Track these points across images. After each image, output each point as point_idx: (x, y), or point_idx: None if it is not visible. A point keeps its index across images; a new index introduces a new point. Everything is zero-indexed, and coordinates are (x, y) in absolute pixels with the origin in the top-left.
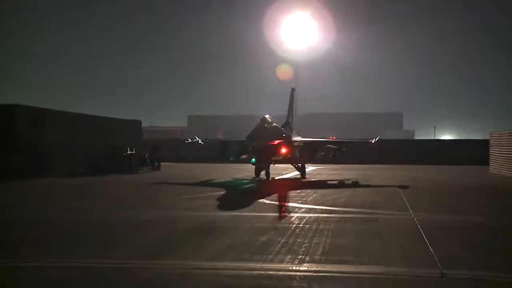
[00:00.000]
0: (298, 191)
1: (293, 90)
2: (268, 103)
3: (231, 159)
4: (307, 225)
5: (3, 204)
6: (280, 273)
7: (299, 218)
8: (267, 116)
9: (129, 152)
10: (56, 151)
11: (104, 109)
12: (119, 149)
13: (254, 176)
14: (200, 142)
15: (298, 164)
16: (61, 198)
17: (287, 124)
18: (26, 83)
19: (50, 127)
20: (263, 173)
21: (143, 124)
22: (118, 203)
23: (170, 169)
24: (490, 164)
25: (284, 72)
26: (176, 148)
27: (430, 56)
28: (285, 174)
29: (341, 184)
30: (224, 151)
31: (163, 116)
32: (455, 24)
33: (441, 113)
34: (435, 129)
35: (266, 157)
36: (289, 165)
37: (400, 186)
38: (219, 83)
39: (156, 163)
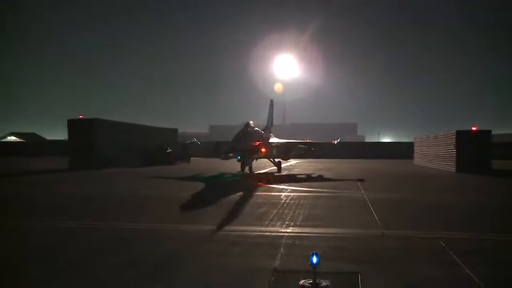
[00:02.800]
0: (281, 180)
1: (272, 101)
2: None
3: (221, 156)
4: (291, 201)
5: (88, 186)
6: (273, 233)
7: (285, 196)
8: (250, 122)
9: (168, 150)
10: (120, 149)
11: (146, 118)
12: (162, 148)
13: (240, 170)
14: (198, 142)
15: (275, 160)
16: (127, 180)
17: (267, 128)
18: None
19: (117, 133)
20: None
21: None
22: (160, 186)
23: (195, 163)
24: (414, 158)
25: (278, 89)
26: (199, 148)
27: (378, 84)
28: (264, 169)
29: (309, 177)
30: (217, 150)
31: (191, 125)
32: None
33: (383, 122)
34: (378, 135)
35: (249, 155)
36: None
37: (358, 180)
38: (232, 100)
39: (187, 158)
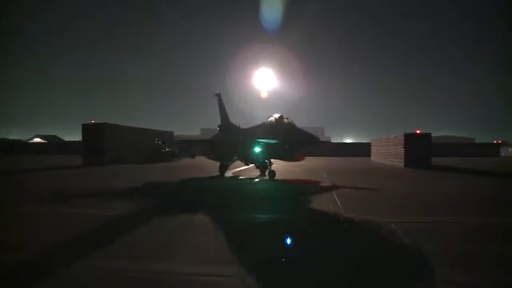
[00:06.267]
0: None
1: (219, 95)
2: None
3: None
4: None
5: (103, 178)
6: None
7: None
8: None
9: (166, 150)
10: (125, 149)
11: (145, 122)
12: (160, 148)
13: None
14: (159, 142)
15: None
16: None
17: (223, 127)
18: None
19: (123, 135)
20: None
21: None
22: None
23: (190, 161)
24: (371, 156)
25: (264, 96)
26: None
27: (341, 93)
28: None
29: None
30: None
31: (186, 128)
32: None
33: (346, 126)
34: (342, 137)
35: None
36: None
37: (331, 186)
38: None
39: (181, 156)
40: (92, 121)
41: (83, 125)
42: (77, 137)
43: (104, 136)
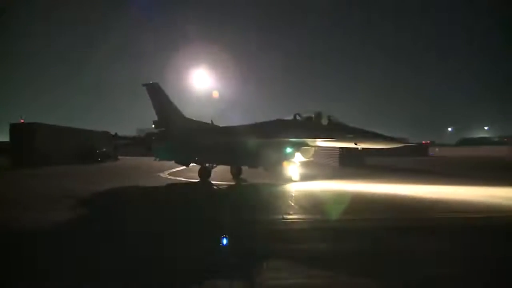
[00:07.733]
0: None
1: (151, 85)
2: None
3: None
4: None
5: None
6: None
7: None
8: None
9: (102, 150)
10: (57, 149)
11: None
12: (96, 149)
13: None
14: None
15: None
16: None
17: (165, 123)
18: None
19: (54, 135)
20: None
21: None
22: (99, 177)
23: (124, 160)
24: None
25: (215, 95)
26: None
27: (279, 96)
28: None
29: None
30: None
31: (122, 128)
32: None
33: None
34: None
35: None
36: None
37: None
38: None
39: (116, 157)
40: (22, 120)
41: (11, 124)
42: (3, 137)
43: (34, 136)
